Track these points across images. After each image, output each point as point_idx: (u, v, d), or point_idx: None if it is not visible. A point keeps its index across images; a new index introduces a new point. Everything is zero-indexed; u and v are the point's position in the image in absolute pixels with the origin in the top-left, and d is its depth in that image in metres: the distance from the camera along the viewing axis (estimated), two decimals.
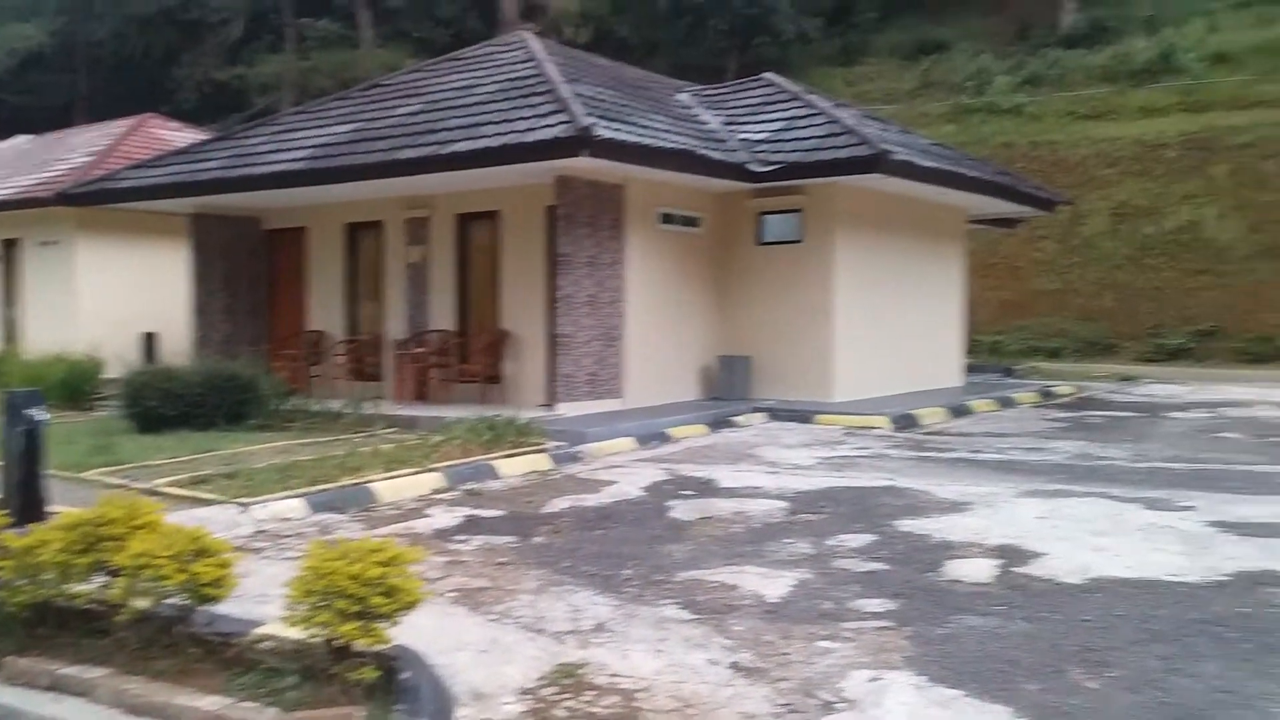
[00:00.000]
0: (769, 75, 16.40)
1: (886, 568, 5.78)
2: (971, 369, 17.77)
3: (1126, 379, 18.43)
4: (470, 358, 13.23)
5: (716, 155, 12.86)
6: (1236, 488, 8.10)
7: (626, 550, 6.20)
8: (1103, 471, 8.96)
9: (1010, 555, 5.98)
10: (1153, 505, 7.35)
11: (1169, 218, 24.84)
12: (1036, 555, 5.97)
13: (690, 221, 13.78)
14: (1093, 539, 6.36)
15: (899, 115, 24.59)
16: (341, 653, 3.82)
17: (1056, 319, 24.04)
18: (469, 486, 8.28)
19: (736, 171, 13.00)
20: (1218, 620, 4.80)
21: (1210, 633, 4.63)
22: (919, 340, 15.57)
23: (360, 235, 14.76)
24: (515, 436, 9.96)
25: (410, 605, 3.83)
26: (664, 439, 10.86)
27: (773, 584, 5.44)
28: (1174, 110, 27.50)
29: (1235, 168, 24.98)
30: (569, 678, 4.14)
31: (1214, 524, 6.75)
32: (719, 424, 11.90)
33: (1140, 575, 5.55)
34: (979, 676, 4.13)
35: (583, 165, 11.44)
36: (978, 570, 5.70)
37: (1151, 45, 30.24)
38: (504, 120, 11.76)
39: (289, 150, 13.72)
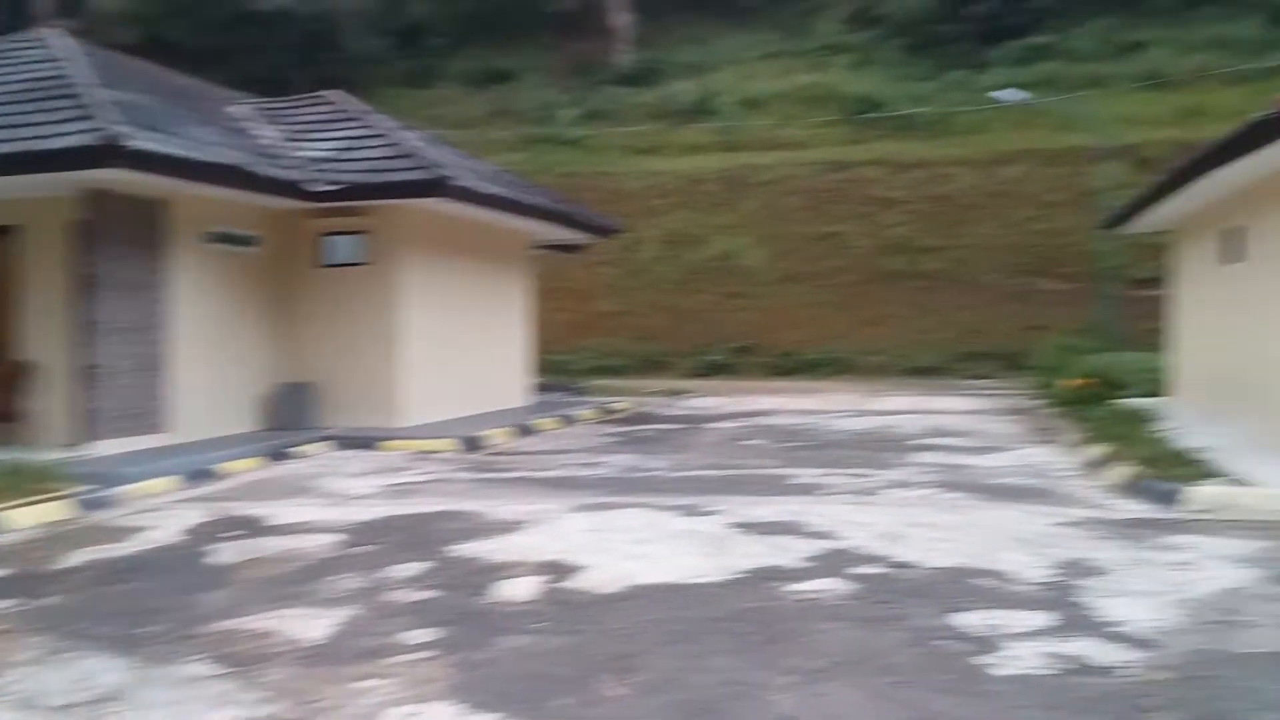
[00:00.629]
0: (333, 93, 15.93)
1: (437, 595, 5.77)
2: (541, 388, 18.44)
3: (675, 393, 20.08)
4: None
5: (270, 172, 12.24)
6: (755, 491, 9.06)
7: (153, 604, 5.65)
8: (648, 483, 9.65)
9: (556, 571, 6.22)
10: (687, 512, 8.01)
11: (710, 246, 27.54)
12: (581, 568, 6.25)
13: (246, 241, 13.00)
14: (633, 548, 6.79)
15: (471, 141, 25.00)
16: None
17: (617, 339, 25.67)
18: None
19: (292, 190, 12.46)
20: (732, 616, 5.30)
21: (725, 629, 5.09)
22: (488, 362, 15.87)
23: None
24: (31, 482, 8.73)
25: None
26: (213, 476, 10.10)
27: (316, 625, 5.22)
28: (713, 149, 30.60)
29: (763, 202, 28.25)
30: None
31: (734, 525, 7.48)
32: (277, 456, 11.31)
33: (670, 580, 6.00)
34: (515, 697, 4.22)
35: (116, 178, 10.39)
36: (524, 589, 5.85)
37: (693, 88, 33.42)
38: (19, 125, 10.37)
39: None
